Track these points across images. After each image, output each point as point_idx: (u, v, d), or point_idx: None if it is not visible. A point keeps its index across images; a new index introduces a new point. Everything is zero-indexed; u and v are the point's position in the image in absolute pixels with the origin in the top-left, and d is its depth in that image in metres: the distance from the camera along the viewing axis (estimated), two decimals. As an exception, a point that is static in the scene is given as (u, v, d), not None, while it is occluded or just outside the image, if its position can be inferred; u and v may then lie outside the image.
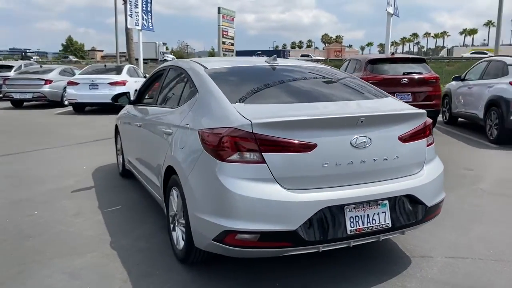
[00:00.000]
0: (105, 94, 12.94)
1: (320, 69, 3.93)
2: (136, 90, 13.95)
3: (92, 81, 13.19)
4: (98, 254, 3.44)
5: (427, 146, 3.08)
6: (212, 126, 2.77)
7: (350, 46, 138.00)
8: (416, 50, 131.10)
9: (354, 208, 2.66)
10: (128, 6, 18.88)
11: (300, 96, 3.26)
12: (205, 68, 3.51)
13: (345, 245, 2.71)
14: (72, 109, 13.97)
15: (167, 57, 54.06)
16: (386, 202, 2.75)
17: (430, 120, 3.13)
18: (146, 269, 3.19)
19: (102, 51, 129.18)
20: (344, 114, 2.77)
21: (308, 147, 2.60)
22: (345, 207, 2.64)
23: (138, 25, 19.26)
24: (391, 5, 14.40)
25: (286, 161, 2.58)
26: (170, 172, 3.35)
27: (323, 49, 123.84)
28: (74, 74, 16.42)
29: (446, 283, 2.95)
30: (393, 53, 14.51)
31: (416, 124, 2.98)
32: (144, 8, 19.55)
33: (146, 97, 5.18)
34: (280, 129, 2.59)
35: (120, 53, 30.79)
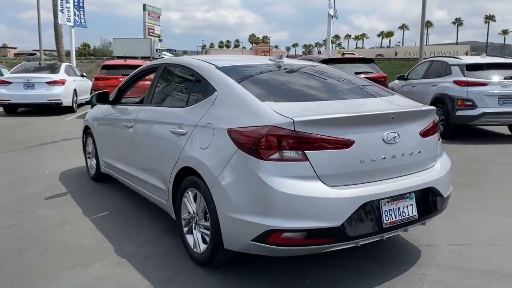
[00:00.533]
0: (42, 94, 12.17)
1: (323, 68, 4.00)
2: (75, 90, 13.61)
3: (28, 80, 12.27)
4: (107, 263, 3.24)
5: (438, 140, 3.27)
6: (246, 125, 2.72)
7: (276, 46, 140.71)
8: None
9: (388, 202, 2.75)
10: (59, 1, 17.83)
11: (323, 93, 3.30)
12: (216, 66, 3.43)
13: (379, 238, 2.80)
14: (3, 110, 12.90)
15: (165, 54, 47.21)
16: (413, 195, 2.88)
17: (437, 117, 3.33)
18: (167, 275, 3.06)
19: (15, 48, 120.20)
20: (378, 111, 2.86)
21: (346, 144, 2.65)
22: (380, 201, 2.72)
23: (70, 21, 18.27)
24: (331, 7, 14.93)
25: (327, 158, 2.61)
26: (184, 173, 3.24)
27: (251, 49, 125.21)
28: (0, 73, 15.19)
29: (460, 268, 3.14)
30: (343, 54, 15.05)
31: (430, 120, 3.14)
32: (76, 4, 18.58)
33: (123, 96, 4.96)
34: (320, 126, 2.61)
35: (45, 50, 28.96)
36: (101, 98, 4.81)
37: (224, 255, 2.99)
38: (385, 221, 2.73)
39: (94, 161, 5.35)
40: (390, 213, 2.76)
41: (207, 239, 3.04)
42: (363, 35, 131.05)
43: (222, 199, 2.79)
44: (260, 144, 2.59)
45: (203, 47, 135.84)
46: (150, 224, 4.00)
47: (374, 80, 9.48)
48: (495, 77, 8.48)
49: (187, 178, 3.22)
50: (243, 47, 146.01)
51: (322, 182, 2.60)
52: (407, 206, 2.85)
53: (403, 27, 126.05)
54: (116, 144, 4.58)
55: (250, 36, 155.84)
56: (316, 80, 3.59)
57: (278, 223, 2.54)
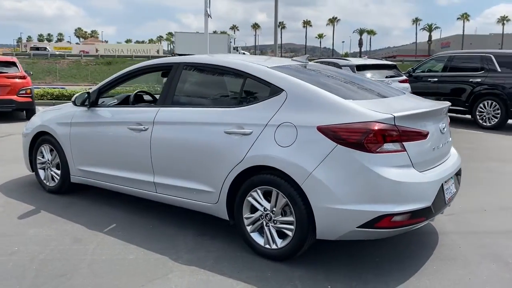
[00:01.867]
0: None
1: (338, 69, 4.35)
2: None
3: None
4: (183, 273, 3.08)
5: None
6: (342, 122, 2.93)
7: (106, 41, 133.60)
8: (172, 48, 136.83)
9: (446, 181, 3.29)
10: None
11: (370, 92, 3.61)
12: (266, 66, 3.50)
13: (440, 213, 3.33)
14: None
15: (243, 53, 38.07)
16: (454, 174, 3.48)
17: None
18: (254, 274, 3.07)
19: None
20: (439, 106, 3.36)
21: (425, 135, 3.09)
22: (444, 182, 3.24)
23: None
24: (208, 6, 15.18)
25: (416, 147, 3.02)
26: (248, 173, 3.26)
27: (77, 43, 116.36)
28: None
29: (479, 232, 3.86)
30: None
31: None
32: None
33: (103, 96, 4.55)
34: (410, 120, 3.00)
35: None
36: (83, 99, 4.33)
37: (307, 247, 3.15)
38: (446, 198, 3.26)
39: (57, 171, 4.75)
40: (447, 191, 3.30)
41: (289, 233, 3.15)
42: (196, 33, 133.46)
43: (318, 193, 2.95)
44: (367, 138, 2.85)
45: (19, 40, 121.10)
46: (176, 230, 3.83)
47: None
48: (378, 76, 9.96)
49: (254, 177, 3.26)
50: (68, 41, 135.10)
51: (415, 169, 2.99)
52: (452, 184, 3.43)
53: (233, 28, 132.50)
54: (112, 149, 4.18)
55: (76, 30, 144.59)
56: (352, 80, 3.92)
57: (389, 208, 2.85)
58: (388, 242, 3.53)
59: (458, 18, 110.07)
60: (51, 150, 4.81)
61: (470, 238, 3.73)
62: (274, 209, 3.21)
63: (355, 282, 2.98)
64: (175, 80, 3.89)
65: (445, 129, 3.42)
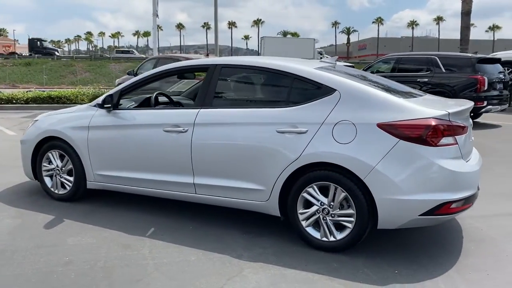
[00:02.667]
0: None
1: (359, 71, 4.60)
2: None
3: None
4: (255, 270, 3.16)
5: None
6: (403, 119, 3.19)
7: (16, 41, 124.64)
8: (91, 48, 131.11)
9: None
10: None
11: (402, 91, 3.88)
12: (311, 67, 3.67)
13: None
14: None
15: (326, 57, 32.44)
16: None
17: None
18: (328, 267, 3.23)
19: None
20: (470, 105, 3.70)
21: (465, 128, 3.43)
22: None
23: None
24: (157, 7, 14.93)
25: (461, 140, 3.35)
26: (303, 170, 3.42)
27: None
28: None
29: (488, 215, 4.31)
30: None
31: None
32: None
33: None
34: (457, 116, 3.33)
35: None
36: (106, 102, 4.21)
37: (365, 237, 3.37)
38: (478, 186, 3.64)
39: (68, 177, 4.54)
40: (478, 180, 3.69)
41: (349, 225, 3.34)
42: (118, 33, 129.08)
43: (381, 186, 3.19)
44: (428, 133, 3.13)
45: None
46: (220, 230, 3.86)
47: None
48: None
49: (310, 174, 3.42)
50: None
51: (463, 160, 3.33)
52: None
53: (159, 28, 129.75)
54: (142, 152, 4.10)
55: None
56: (380, 79, 4.18)
57: (449, 196, 3.15)
58: (418, 229, 3.84)
59: (373, 22, 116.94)
60: (60, 156, 4.59)
61: (484, 221, 4.17)
62: (332, 203, 3.39)
63: (415, 265, 3.25)
64: (213, 82, 3.92)
65: (471, 125, 3.82)
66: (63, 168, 4.60)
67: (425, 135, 3.14)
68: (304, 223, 3.51)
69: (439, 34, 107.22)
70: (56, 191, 4.67)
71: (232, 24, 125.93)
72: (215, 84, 3.93)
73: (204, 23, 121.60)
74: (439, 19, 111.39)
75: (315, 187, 3.43)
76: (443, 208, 3.16)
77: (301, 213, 3.51)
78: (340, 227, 3.41)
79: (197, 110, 3.91)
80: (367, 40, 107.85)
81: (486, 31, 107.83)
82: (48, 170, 4.69)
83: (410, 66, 11.74)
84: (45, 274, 3.05)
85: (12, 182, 5.24)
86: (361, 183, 3.25)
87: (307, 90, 3.63)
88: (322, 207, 3.43)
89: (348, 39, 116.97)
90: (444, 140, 3.19)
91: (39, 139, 4.64)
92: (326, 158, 3.35)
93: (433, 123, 3.16)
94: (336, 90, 3.47)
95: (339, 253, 3.41)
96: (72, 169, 4.53)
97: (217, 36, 23.47)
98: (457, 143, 3.27)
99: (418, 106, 3.29)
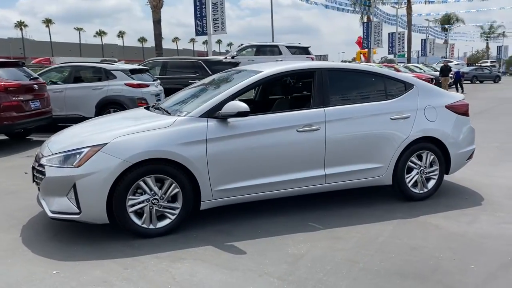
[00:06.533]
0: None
1: None
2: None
3: None
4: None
5: None
6: (454, 101, 4.97)
7: None
8: None
9: None
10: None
11: None
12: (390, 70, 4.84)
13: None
14: None
15: None
16: None
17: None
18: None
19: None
20: None
21: None
22: None
23: None
24: None
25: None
26: (409, 146, 4.67)
27: None
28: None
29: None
30: None
31: None
32: None
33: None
34: None
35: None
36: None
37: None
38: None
39: (172, 204, 3.83)
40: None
41: (435, 177, 4.87)
42: None
43: (453, 145, 4.88)
44: (467, 109, 5.04)
45: None
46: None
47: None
48: (148, 78, 10.68)
49: (414, 146, 4.70)
50: None
51: None
52: None
53: None
54: (274, 156, 4.09)
55: None
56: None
57: (474, 146, 5.18)
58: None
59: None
60: (157, 182, 3.77)
61: (483, 189, 5.92)
62: (425, 165, 4.81)
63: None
64: (324, 83, 4.44)
65: None
66: (164, 195, 3.79)
67: (467, 110, 5.06)
68: (409, 184, 4.76)
69: (50, 36, 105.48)
70: (151, 226, 3.78)
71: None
72: (327, 84, 4.46)
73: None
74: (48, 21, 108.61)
75: (415, 155, 4.74)
76: (472, 154, 5.18)
77: (407, 178, 4.74)
78: (428, 180, 4.88)
79: (321, 109, 4.35)
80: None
81: (94, 36, 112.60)
82: (137, 204, 3.71)
83: (180, 69, 12.89)
84: None
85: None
86: (443, 147, 4.83)
87: (396, 86, 4.81)
88: (420, 169, 4.79)
89: None
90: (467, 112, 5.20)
91: (124, 168, 3.61)
92: (427, 133, 4.72)
93: (466, 102, 5.11)
94: (414, 85, 4.86)
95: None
96: (176, 194, 3.83)
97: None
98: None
99: (451, 92, 5.16)
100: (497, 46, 71.88)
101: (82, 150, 3.66)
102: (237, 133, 4.00)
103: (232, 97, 4.09)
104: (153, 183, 3.75)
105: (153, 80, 10.87)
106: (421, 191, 4.82)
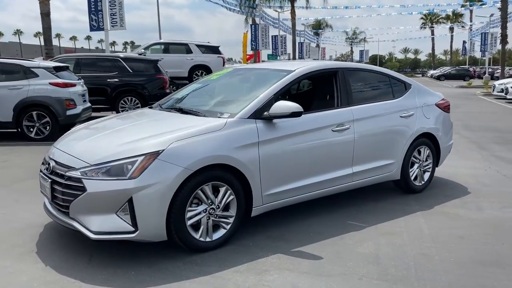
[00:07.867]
0: None
1: None
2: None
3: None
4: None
5: None
6: (440, 100, 5.42)
7: None
8: None
9: None
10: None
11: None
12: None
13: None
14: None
15: None
16: None
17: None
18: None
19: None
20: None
21: None
22: None
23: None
24: None
25: None
26: (413, 142, 5.00)
27: None
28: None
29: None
30: None
31: None
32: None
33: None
34: None
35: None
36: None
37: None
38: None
39: (225, 213, 3.54)
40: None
41: (429, 170, 5.27)
42: None
43: (441, 139, 5.32)
44: (449, 107, 5.53)
45: None
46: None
47: None
48: (73, 77, 9.65)
49: (416, 141, 5.02)
50: None
51: None
52: None
53: None
54: (313, 156, 4.03)
55: None
56: None
57: (452, 140, 5.71)
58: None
59: None
60: (213, 189, 3.44)
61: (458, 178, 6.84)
62: (423, 159, 5.17)
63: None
64: (347, 82, 4.49)
65: None
66: (220, 204, 3.48)
67: (449, 107, 5.55)
68: (412, 177, 5.07)
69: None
70: (208, 239, 3.44)
71: None
72: (349, 84, 4.52)
73: None
74: None
75: (416, 151, 5.07)
76: (451, 147, 5.71)
77: (411, 171, 5.05)
78: (424, 173, 5.25)
79: (348, 108, 4.40)
80: None
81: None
82: (195, 215, 3.35)
83: (97, 67, 11.87)
84: None
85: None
86: (434, 140, 5.24)
87: (399, 86, 5.06)
88: (420, 162, 5.14)
89: None
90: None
91: (190, 174, 3.24)
92: (425, 130, 5.09)
93: (447, 101, 5.60)
94: (411, 85, 5.18)
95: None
96: (230, 202, 3.55)
97: None
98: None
99: (436, 92, 5.60)
100: (360, 50, 79.81)
101: (136, 159, 3.18)
102: (284, 134, 3.84)
103: (275, 97, 3.92)
104: (210, 192, 3.43)
105: (78, 79, 9.83)
106: (419, 184, 5.17)
